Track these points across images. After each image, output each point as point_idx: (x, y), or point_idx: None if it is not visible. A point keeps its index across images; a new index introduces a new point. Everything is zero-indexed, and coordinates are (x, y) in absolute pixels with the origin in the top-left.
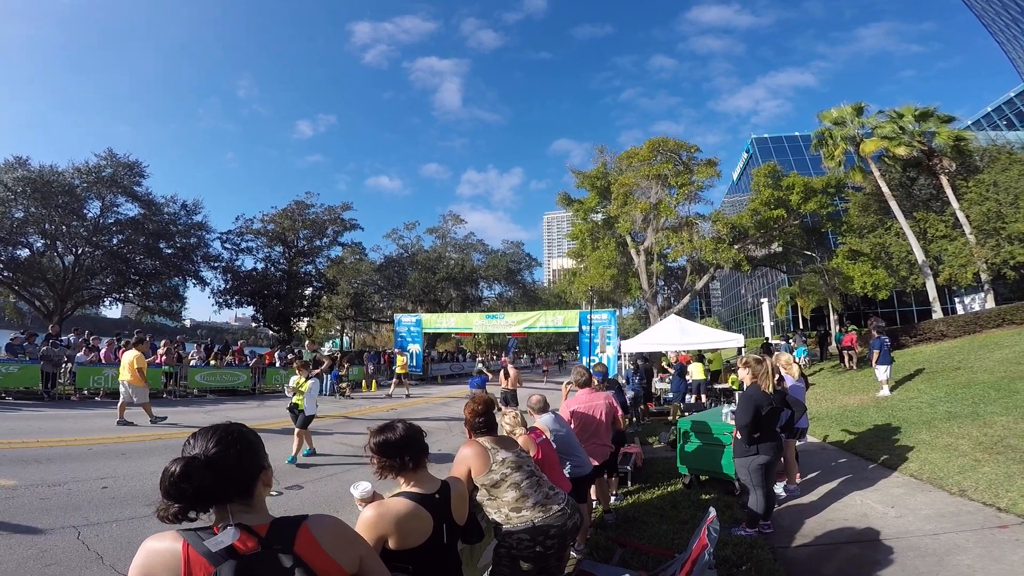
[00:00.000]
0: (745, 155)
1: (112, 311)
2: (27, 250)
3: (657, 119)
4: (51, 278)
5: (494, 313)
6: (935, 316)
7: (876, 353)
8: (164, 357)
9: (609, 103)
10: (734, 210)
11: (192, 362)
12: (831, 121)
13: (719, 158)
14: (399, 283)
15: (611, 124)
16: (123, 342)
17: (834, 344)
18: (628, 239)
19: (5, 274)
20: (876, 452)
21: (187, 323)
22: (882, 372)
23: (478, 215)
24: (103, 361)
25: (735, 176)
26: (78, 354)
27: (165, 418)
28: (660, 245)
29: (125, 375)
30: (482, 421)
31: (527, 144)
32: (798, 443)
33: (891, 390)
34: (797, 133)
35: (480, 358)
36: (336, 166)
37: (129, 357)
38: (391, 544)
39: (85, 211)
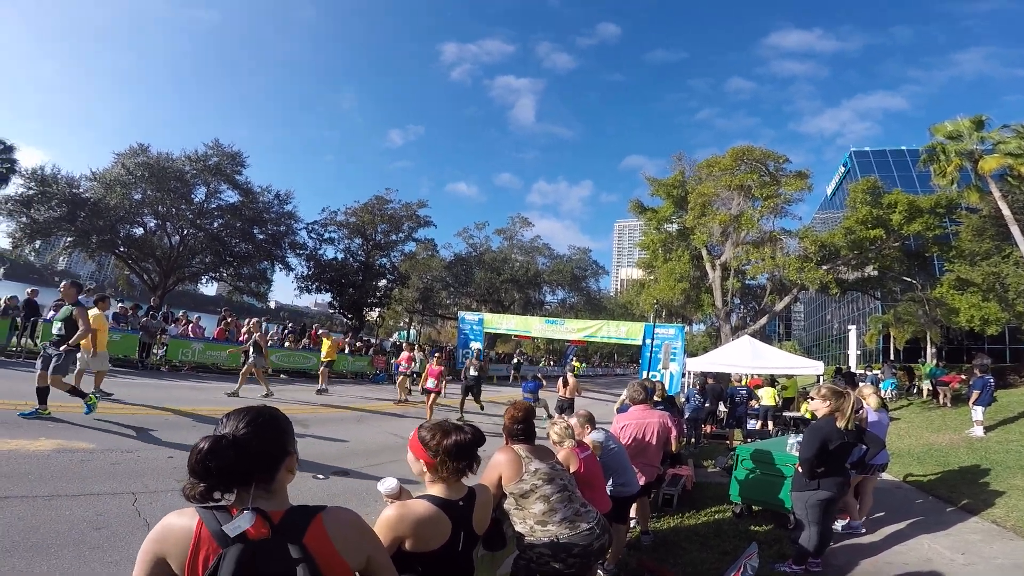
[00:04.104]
0: (842, 169)
1: (208, 288)
2: (141, 229)
3: (734, 138)
4: (159, 255)
5: (555, 319)
6: None
7: (976, 393)
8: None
9: (683, 122)
10: (825, 228)
11: (270, 343)
12: (945, 135)
13: (810, 170)
14: (466, 281)
15: (686, 142)
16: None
17: (928, 381)
18: (704, 252)
19: (121, 249)
20: (958, 495)
21: (272, 304)
22: (979, 412)
23: (547, 223)
24: (191, 335)
25: (829, 191)
26: (171, 327)
27: (111, 394)
28: (739, 260)
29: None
30: (520, 428)
31: (598, 158)
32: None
33: (986, 431)
34: (903, 147)
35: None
36: (421, 171)
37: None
38: (407, 546)
39: (193, 196)
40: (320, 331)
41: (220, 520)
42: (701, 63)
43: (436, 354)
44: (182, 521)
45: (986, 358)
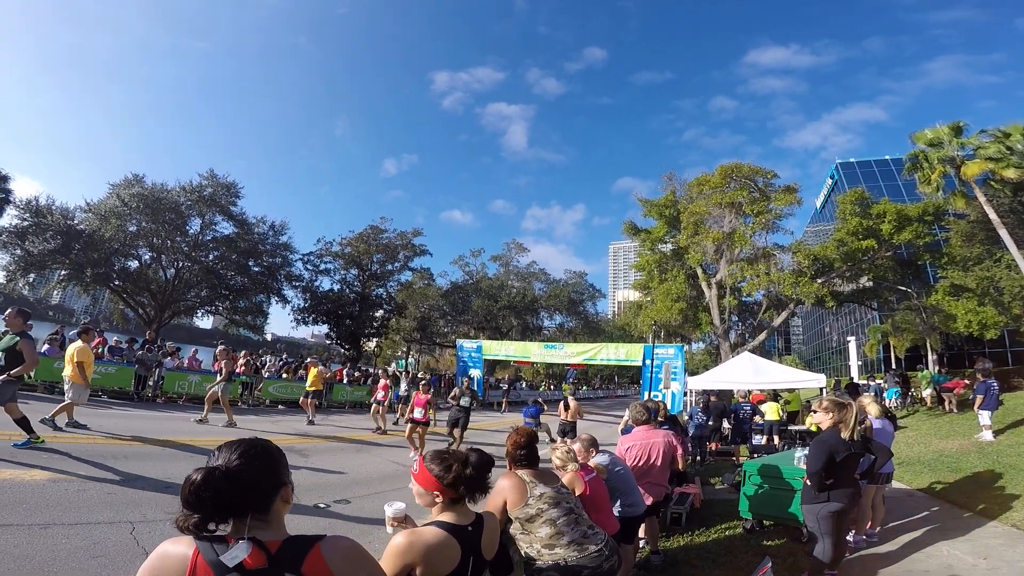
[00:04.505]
0: (830, 181)
1: (204, 322)
2: (136, 262)
3: (722, 157)
4: (154, 288)
5: (554, 343)
6: None
7: (979, 398)
8: (243, 368)
9: (672, 143)
10: (817, 241)
11: (267, 374)
12: (926, 143)
13: (799, 184)
14: (463, 309)
15: (675, 162)
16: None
17: (930, 388)
18: (699, 271)
19: (116, 283)
20: (973, 500)
21: (268, 337)
22: (985, 417)
23: (542, 248)
24: (187, 367)
25: (818, 204)
26: (166, 360)
27: (86, 426)
28: (734, 278)
29: (67, 370)
30: (523, 453)
31: (590, 182)
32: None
33: (995, 435)
34: (888, 157)
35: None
36: (416, 200)
37: (71, 350)
38: (417, 573)
39: (187, 227)
40: (309, 360)
41: (217, 550)
42: (686, 83)
43: (423, 383)
44: (178, 549)
45: (988, 362)
